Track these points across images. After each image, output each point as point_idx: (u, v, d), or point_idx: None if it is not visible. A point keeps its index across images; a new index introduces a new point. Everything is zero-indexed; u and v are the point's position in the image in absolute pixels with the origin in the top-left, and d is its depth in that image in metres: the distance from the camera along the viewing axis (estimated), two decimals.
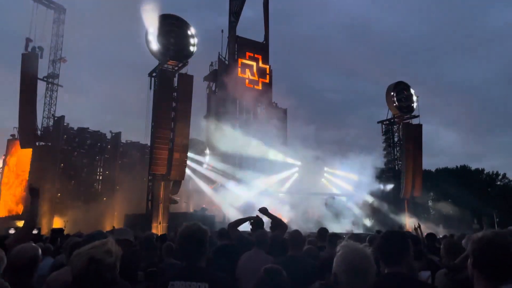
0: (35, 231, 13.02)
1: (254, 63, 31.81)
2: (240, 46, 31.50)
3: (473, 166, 55.60)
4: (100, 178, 32.69)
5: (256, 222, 5.86)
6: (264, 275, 2.35)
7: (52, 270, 4.17)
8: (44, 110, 30.03)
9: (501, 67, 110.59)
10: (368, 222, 29.41)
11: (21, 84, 26.28)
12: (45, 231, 19.36)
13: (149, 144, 26.06)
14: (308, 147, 30.40)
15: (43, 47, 29.10)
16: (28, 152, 28.49)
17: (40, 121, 29.14)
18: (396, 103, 33.12)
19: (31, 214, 3.83)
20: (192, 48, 24.81)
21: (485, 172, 54.67)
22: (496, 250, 1.69)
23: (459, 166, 54.98)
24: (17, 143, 28.92)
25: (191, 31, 25.19)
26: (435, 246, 6.75)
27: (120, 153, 32.39)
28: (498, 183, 54.29)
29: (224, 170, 28.12)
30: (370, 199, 29.11)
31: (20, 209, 28.56)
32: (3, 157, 32.85)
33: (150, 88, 24.34)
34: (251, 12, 38.03)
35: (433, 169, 52.67)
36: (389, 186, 32.57)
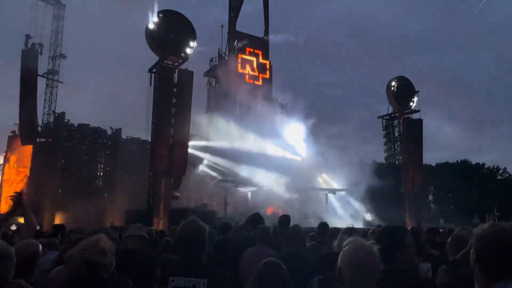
0: (37, 227, 13.06)
1: (254, 59, 31.75)
2: (240, 42, 31.42)
3: (474, 160, 55.62)
4: (101, 174, 32.69)
5: (256, 218, 5.83)
6: (263, 268, 2.32)
7: (55, 264, 4.20)
8: (44, 107, 30.04)
9: (502, 61, 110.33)
10: (368, 217, 29.46)
11: (21, 80, 26.25)
12: (46, 227, 19.40)
13: (149, 140, 26.06)
14: (308, 142, 30.46)
15: (42, 44, 29.07)
16: (29, 148, 28.52)
17: (40, 117, 29.16)
18: (397, 98, 33.06)
19: (28, 218, 3.88)
20: (192, 44, 24.74)
21: (485, 166, 54.69)
22: (501, 248, 1.67)
23: (459, 160, 54.99)
24: (18, 139, 28.93)
25: (191, 26, 25.11)
26: (436, 241, 6.76)
27: (120, 149, 32.38)
28: (499, 177, 54.32)
29: (224, 166, 28.14)
30: (370, 193, 29.12)
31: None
32: (4, 154, 32.89)
33: (150, 84, 24.31)
34: (251, 7, 37.90)
35: (433, 164, 52.68)
36: (390, 181, 32.58)
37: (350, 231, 4.22)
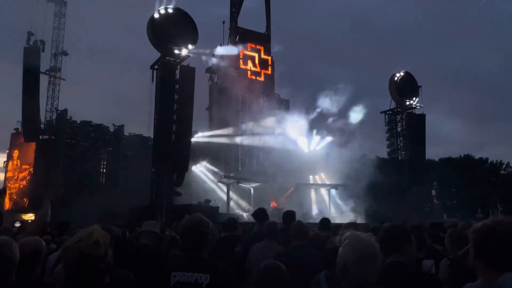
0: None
1: (256, 54, 31.70)
2: (241, 37, 31.37)
3: (477, 155, 55.40)
4: (104, 171, 32.81)
5: (261, 213, 5.75)
6: (262, 272, 2.29)
7: (58, 262, 4.23)
8: (47, 104, 30.16)
9: (506, 55, 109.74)
10: (371, 213, 29.42)
11: (23, 78, 26.31)
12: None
13: (152, 136, 26.10)
14: (310, 137, 30.46)
15: (44, 41, 29.11)
16: (32, 145, 28.63)
17: (43, 114, 29.28)
18: (399, 93, 32.95)
19: (43, 212, 3.84)
20: (194, 40, 24.70)
21: (489, 161, 54.48)
22: (496, 239, 1.68)
23: (462, 155, 54.80)
24: (21, 136, 29.05)
25: (193, 22, 25.06)
26: (439, 236, 6.76)
27: (123, 146, 32.48)
28: (502, 172, 54.11)
29: (228, 162, 28.19)
30: (372, 189, 29.09)
31: (25, 202, 28.77)
32: (7, 151, 33.04)
33: (152, 80, 24.30)
34: (252, 3, 37.74)
35: (436, 159, 52.57)
36: (393, 176, 32.54)
37: (352, 226, 4.22)
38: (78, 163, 30.60)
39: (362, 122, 30.84)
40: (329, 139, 30.86)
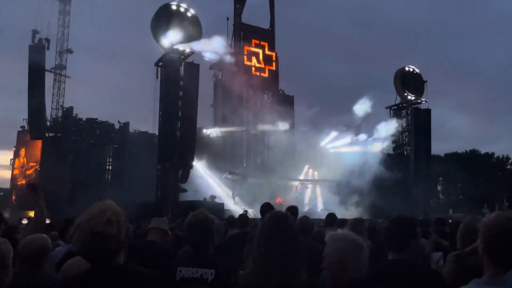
0: (47, 221, 13.21)
1: (260, 50, 31.63)
2: (245, 34, 31.30)
3: (483, 150, 55.11)
4: (110, 168, 32.99)
5: (268, 209, 5.77)
6: (268, 220, 2.13)
7: (65, 257, 4.26)
8: (52, 102, 30.34)
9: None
10: (376, 208, 29.35)
11: (29, 76, 26.41)
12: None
13: (157, 133, 26.18)
14: (316, 133, 30.42)
15: (49, 39, 29.22)
16: (38, 143, 28.80)
17: (49, 112, 29.44)
18: (404, 88, 32.80)
19: (39, 210, 3.81)
20: (197, 37, 24.69)
21: (495, 156, 54.16)
22: (507, 235, 1.67)
23: (468, 150, 54.50)
24: (27, 134, 29.22)
25: (196, 19, 25.04)
26: (444, 231, 6.75)
27: (128, 143, 32.63)
28: (508, 167, 53.80)
29: (233, 158, 28.22)
30: (378, 184, 29.02)
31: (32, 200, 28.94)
32: (14, 149, 33.28)
33: (157, 77, 24.35)
34: None
35: (442, 154, 52.32)
36: (398, 172, 32.44)
37: (357, 222, 4.22)
38: (84, 160, 30.77)
39: (367, 118, 30.69)
40: (346, 140, 30.72)
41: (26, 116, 28.17)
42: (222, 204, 22.57)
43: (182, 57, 24.31)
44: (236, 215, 9.46)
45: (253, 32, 31.74)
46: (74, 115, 29.98)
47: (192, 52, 24.28)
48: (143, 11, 23.39)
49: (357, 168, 27.16)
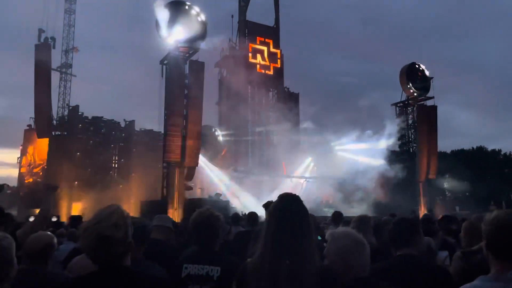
0: (54, 219, 13.28)
1: (265, 48, 31.60)
2: (250, 31, 31.29)
3: (490, 147, 54.70)
4: (116, 165, 33.18)
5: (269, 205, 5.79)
6: (280, 200, 2.06)
7: (71, 255, 4.29)
8: (59, 100, 30.49)
9: None
10: (382, 206, 29.31)
11: (35, 74, 26.57)
12: (64, 218, 19.80)
13: (162, 131, 26.26)
14: (321, 131, 30.35)
15: (55, 37, 29.37)
16: (45, 141, 29.00)
17: (55, 111, 29.60)
18: (410, 84, 32.63)
19: (46, 207, 3.81)
20: (202, 35, 24.70)
21: (502, 153, 53.75)
22: (507, 231, 1.67)
23: (475, 147, 54.14)
24: (34, 133, 29.43)
25: (201, 17, 25.05)
26: (451, 228, 6.72)
27: (134, 141, 32.78)
28: None
29: (238, 156, 28.26)
30: (384, 182, 28.94)
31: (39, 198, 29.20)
32: (21, 147, 33.53)
33: (162, 75, 24.41)
34: None
35: (448, 151, 52.00)
36: (404, 169, 32.33)
37: (363, 219, 4.21)
38: (90, 158, 30.97)
39: (372, 115, 30.59)
40: (339, 131, 30.66)
41: (32, 114, 28.42)
42: (227, 202, 22.62)
43: (187, 55, 24.34)
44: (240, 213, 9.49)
45: (258, 30, 31.71)
46: (80, 113, 30.17)
47: (197, 50, 24.30)
48: (149, 9, 23.35)
49: (364, 165, 27.09)
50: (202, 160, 25.90)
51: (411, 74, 32.91)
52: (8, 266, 1.90)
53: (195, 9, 24.98)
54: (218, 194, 23.59)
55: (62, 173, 26.33)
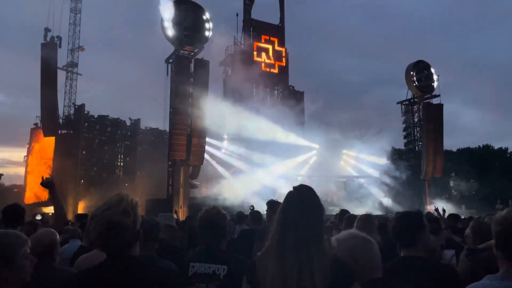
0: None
1: (270, 46, 31.56)
2: (255, 29, 31.25)
3: (496, 145, 54.37)
4: (121, 164, 33.33)
5: (273, 205, 5.78)
6: (293, 190, 2.02)
7: (78, 253, 4.31)
8: (64, 99, 30.66)
9: None
10: (388, 204, 29.26)
11: (41, 73, 26.72)
12: (70, 216, 19.92)
13: (167, 130, 26.33)
14: (326, 129, 30.26)
15: (61, 37, 29.50)
16: (51, 140, 29.16)
17: (61, 109, 29.75)
18: (416, 82, 32.46)
19: (58, 210, 3.78)
20: (207, 33, 24.73)
21: (508, 151, 53.39)
22: None
23: (481, 145, 53.82)
24: (40, 131, 29.60)
25: (206, 15, 25.08)
26: (457, 227, 6.70)
27: (139, 139, 32.90)
28: None
29: (242, 155, 28.26)
30: (390, 180, 28.88)
31: (46, 196, 29.39)
32: (27, 146, 33.75)
33: (167, 74, 24.47)
34: None
35: (454, 149, 51.73)
36: (410, 167, 32.22)
37: (367, 218, 4.20)
38: (96, 157, 31.13)
39: (378, 113, 30.46)
40: (344, 130, 30.58)
41: (39, 113, 28.57)
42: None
43: (192, 53, 24.38)
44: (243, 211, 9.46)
45: (263, 28, 31.66)
46: (86, 112, 30.30)
47: (202, 48, 24.33)
48: (154, 7, 23.41)
49: (369, 163, 27.02)
50: (208, 158, 25.96)
51: (417, 72, 32.74)
52: (9, 265, 1.88)
53: (200, 8, 25.04)
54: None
55: (68, 171, 26.50)
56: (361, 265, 1.98)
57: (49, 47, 27.60)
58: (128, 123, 33.31)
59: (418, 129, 33.77)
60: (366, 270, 2.00)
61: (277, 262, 1.81)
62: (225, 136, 28.92)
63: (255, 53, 30.52)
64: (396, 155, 30.86)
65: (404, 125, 34.14)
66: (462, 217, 10.11)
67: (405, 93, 33.73)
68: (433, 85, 32.84)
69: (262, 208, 6.02)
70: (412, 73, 32.64)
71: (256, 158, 27.34)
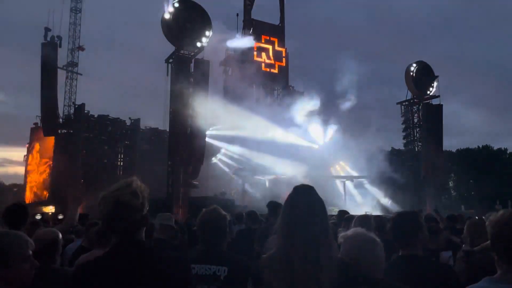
0: (60, 216, 13.36)
1: (270, 46, 31.57)
2: (255, 30, 31.25)
3: (496, 146, 54.34)
4: (121, 164, 33.32)
5: (274, 206, 5.81)
6: (294, 190, 2.02)
7: (77, 252, 4.33)
8: (65, 99, 30.68)
9: None
10: (387, 204, 29.26)
11: (41, 73, 26.72)
12: None
13: (167, 130, 26.33)
14: (325, 129, 30.28)
15: (61, 36, 29.49)
16: (51, 139, 29.17)
17: (61, 109, 29.75)
18: (416, 83, 32.44)
19: (71, 218, 3.79)
20: (208, 33, 24.71)
21: (508, 151, 53.37)
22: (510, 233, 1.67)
23: (481, 146, 53.79)
24: (40, 131, 29.61)
25: (207, 16, 25.05)
26: (456, 228, 6.71)
27: (139, 139, 32.89)
28: None
29: (242, 154, 28.27)
30: (389, 181, 28.86)
31: (45, 195, 29.43)
32: (27, 145, 33.76)
33: (167, 74, 24.45)
34: None
35: (454, 150, 51.72)
36: (409, 168, 32.20)
37: (363, 219, 4.22)
38: (96, 157, 31.13)
39: (377, 113, 30.42)
40: (344, 130, 30.58)
41: (39, 113, 28.60)
42: (233, 201, 22.64)
43: (193, 53, 24.37)
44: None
45: (263, 28, 31.67)
46: (86, 112, 30.29)
47: (202, 49, 24.32)
48: (154, 7, 23.45)
49: (369, 164, 27.00)
50: (207, 158, 25.94)
51: (417, 72, 32.72)
52: (7, 266, 1.87)
53: (201, 8, 25.01)
54: (223, 193, 23.61)
55: (68, 171, 26.51)
56: (366, 266, 2.00)
57: (49, 46, 27.61)
58: (128, 122, 33.31)
59: (417, 129, 33.74)
60: (370, 271, 2.02)
61: (284, 269, 1.81)
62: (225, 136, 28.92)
63: (255, 53, 30.52)
64: (395, 156, 30.84)
65: (403, 126, 34.13)
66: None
67: (405, 94, 33.74)
68: (433, 86, 32.83)
69: (263, 208, 6.05)
70: (411, 73, 32.61)
71: (256, 158, 27.36)
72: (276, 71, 31.61)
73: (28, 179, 32.77)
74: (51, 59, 26.94)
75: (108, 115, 32.50)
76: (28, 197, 31.31)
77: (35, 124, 31.87)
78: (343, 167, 30.80)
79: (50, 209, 25.18)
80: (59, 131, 28.86)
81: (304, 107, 29.91)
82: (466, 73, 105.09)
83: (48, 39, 28.25)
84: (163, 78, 24.76)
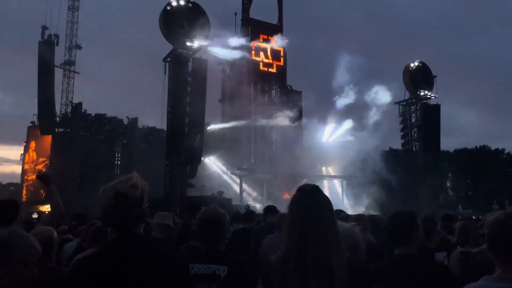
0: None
1: (268, 46, 31.53)
2: (253, 29, 31.23)
3: (493, 146, 54.49)
4: (119, 163, 33.26)
5: (269, 207, 5.92)
6: (299, 191, 2.03)
7: (76, 252, 4.32)
8: (62, 97, 30.56)
9: None
10: (384, 204, 29.29)
11: (38, 71, 26.63)
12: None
13: (165, 129, 26.30)
14: (324, 128, 30.30)
15: (58, 35, 29.41)
16: (48, 138, 29.08)
17: (58, 108, 29.66)
18: (414, 83, 32.50)
19: (54, 202, 3.68)
20: (205, 32, 24.68)
21: (505, 152, 53.55)
22: (508, 233, 1.67)
23: (478, 146, 53.94)
24: (37, 130, 29.52)
25: (205, 15, 25.02)
26: (452, 227, 6.72)
27: (137, 138, 32.83)
28: None
29: (240, 154, 28.28)
30: (386, 181, 28.88)
31: (42, 194, 29.32)
32: (24, 144, 33.66)
33: (165, 73, 24.42)
34: None
35: (451, 150, 51.84)
36: (407, 168, 32.23)
37: (359, 218, 4.22)
38: (93, 156, 31.05)
39: (375, 113, 30.40)
40: (344, 127, 30.59)
41: (36, 111, 28.49)
42: (230, 200, 22.64)
43: (190, 52, 24.34)
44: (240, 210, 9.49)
45: (261, 27, 31.64)
46: (83, 110, 30.21)
47: (200, 48, 24.29)
48: (152, 6, 23.41)
49: (366, 164, 27.02)
50: (205, 157, 25.93)
51: (415, 72, 32.78)
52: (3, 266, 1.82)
53: (199, 7, 25.00)
54: (221, 192, 23.62)
55: (65, 170, 26.44)
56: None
57: (47, 45, 27.51)
58: (125, 121, 33.24)
59: (415, 129, 33.82)
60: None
61: (296, 274, 1.81)
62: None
63: (253, 52, 30.49)
64: (393, 155, 30.88)
65: (401, 126, 34.18)
66: (460, 217, 10.13)
67: (403, 94, 33.79)
68: (431, 86, 32.90)
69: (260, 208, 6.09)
70: (409, 73, 32.69)
71: (254, 157, 27.39)
72: (274, 70, 31.59)
73: (25, 178, 32.66)
74: (48, 58, 26.84)
75: (105, 114, 32.44)
76: (25, 196, 31.22)
77: (32, 122, 31.78)
78: (339, 167, 30.81)
79: (46, 208, 25.12)
80: (56, 130, 28.78)
81: (302, 106, 29.95)
82: (464, 73, 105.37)
83: (45, 37, 28.16)
84: (161, 77, 24.75)
